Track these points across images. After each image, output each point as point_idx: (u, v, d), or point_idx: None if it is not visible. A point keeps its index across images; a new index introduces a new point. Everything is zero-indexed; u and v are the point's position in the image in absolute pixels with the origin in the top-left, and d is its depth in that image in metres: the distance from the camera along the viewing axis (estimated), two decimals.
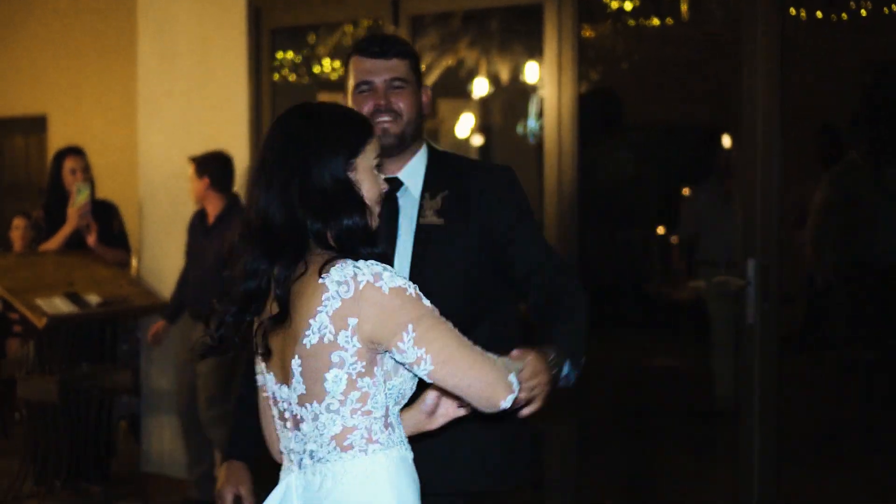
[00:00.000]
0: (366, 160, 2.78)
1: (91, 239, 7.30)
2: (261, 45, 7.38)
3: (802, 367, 7.23)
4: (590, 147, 6.65)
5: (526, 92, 8.09)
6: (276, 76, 7.52)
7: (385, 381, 2.69)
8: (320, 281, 2.62)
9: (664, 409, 8.04)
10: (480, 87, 8.27)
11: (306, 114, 2.85)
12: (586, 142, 6.14)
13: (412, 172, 3.47)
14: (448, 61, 7.88)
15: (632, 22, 7.29)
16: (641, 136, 10.73)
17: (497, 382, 2.65)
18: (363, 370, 2.65)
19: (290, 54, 7.69)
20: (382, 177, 2.84)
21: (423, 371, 2.64)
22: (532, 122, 8.14)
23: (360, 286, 2.59)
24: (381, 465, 2.69)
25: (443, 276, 3.32)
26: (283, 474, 2.83)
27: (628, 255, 9.92)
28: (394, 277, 2.63)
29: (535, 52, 6.88)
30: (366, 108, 3.39)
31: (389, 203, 3.36)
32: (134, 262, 7.96)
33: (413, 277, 3.15)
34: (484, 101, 8.79)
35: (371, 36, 3.59)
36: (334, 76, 7.97)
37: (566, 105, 6.19)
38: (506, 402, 2.66)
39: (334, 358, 2.63)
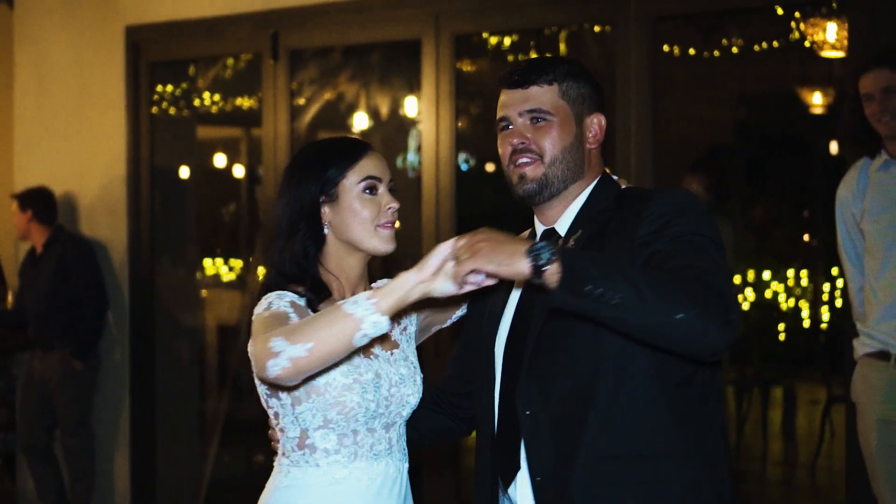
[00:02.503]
0: (349, 187, 2.91)
1: None
2: (139, 79, 7.33)
3: None
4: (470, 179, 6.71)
5: (405, 126, 8.13)
6: (156, 109, 7.47)
7: (293, 406, 2.84)
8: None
9: None
10: (360, 120, 8.29)
11: (295, 156, 3.07)
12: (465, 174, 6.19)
13: (570, 222, 2.90)
14: (328, 95, 7.89)
15: (510, 57, 7.36)
16: None
17: (256, 353, 2.65)
18: (269, 392, 2.89)
19: (169, 87, 7.63)
20: (388, 198, 2.97)
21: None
22: (411, 156, 8.17)
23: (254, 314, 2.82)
24: (279, 479, 2.94)
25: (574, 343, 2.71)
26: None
27: None
28: (268, 303, 2.82)
29: (414, 86, 6.93)
30: (505, 150, 2.88)
31: None
32: (10, 297, 7.85)
33: (537, 350, 2.73)
34: (364, 135, 8.81)
35: (519, 62, 3.06)
36: (214, 109, 7.93)
37: (444, 139, 6.24)
38: (269, 369, 2.59)
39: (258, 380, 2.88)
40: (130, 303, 7.33)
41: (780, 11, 6.26)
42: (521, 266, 2.45)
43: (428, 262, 2.54)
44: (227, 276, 9.30)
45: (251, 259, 7.58)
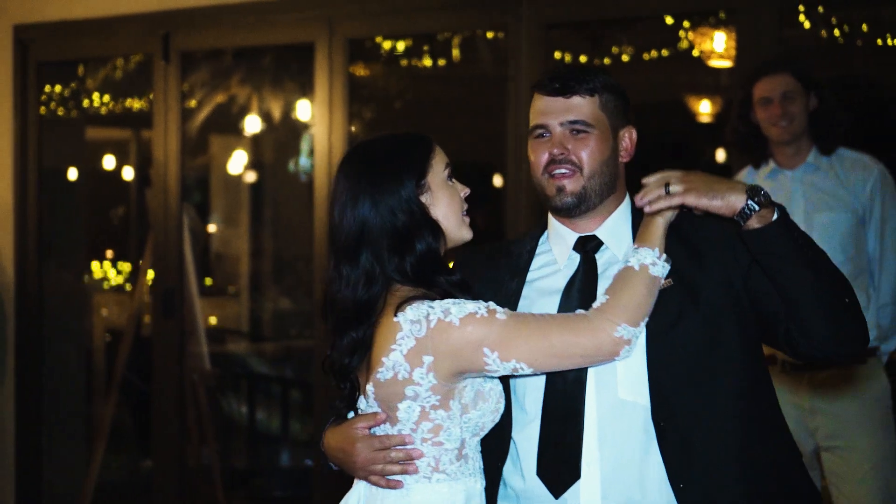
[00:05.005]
0: (436, 175, 2.77)
1: None
2: (27, 79, 7.22)
3: None
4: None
5: (298, 130, 8.11)
6: (44, 110, 7.36)
7: (462, 415, 2.69)
8: (395, 320, 2.64)
9: None
10: (252, 124, 8.25)
11: (360, 156, 2.79)
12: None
13: (612, 229, 2.88)
14: (220, 98, 7.83)
15: (404, 62, 7.37)
16: None
17: (595, 337, 2.62)
18: (437, 403, 2.67)
19: (58, 88, 7.52)
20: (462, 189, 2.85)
21: (527, 373, 2.66)
22: (304, 160, 8.15)
23: (432, 324, 2.61)
24: (442, 496, 2.70)
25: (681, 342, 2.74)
26: (356, 481, 2.85)
27: None
28: (463, 306, 2.63)
29: (307, 90, 6.91)
30: (540, 158, 2.83)
31: (586, 263, 2.87)
32: None
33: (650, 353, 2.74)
34: (256, 139, 8.77)
35: (557, 69, 3.00)
36: (104, 110, 7.83)
37: (337, 143, 6.23)
38: (623, 348, 2.62)
39: (409, 392, 2.65)
40: (17, 307, 7.19)
41: (669, 21, 6.35)
42: (736, 200, 2.60)
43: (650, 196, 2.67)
44: (116, 279, 9.19)
45: (140, 262, 7.48)
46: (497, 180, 10.13)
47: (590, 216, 2.86)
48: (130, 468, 8.06)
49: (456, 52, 7.15)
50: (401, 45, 7.09)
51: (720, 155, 8.58)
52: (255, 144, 8.98)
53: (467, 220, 2.83)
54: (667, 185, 2.65)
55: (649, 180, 2.69)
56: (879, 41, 6.53)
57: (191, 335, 7.15)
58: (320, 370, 6.36)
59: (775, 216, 2.61)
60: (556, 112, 2.81)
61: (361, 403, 2.78)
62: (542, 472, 2.76)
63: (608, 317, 2.61)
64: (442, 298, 2.66)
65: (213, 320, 8.46)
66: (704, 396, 2.69)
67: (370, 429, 2.74)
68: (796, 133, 4.78)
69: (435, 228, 2.73)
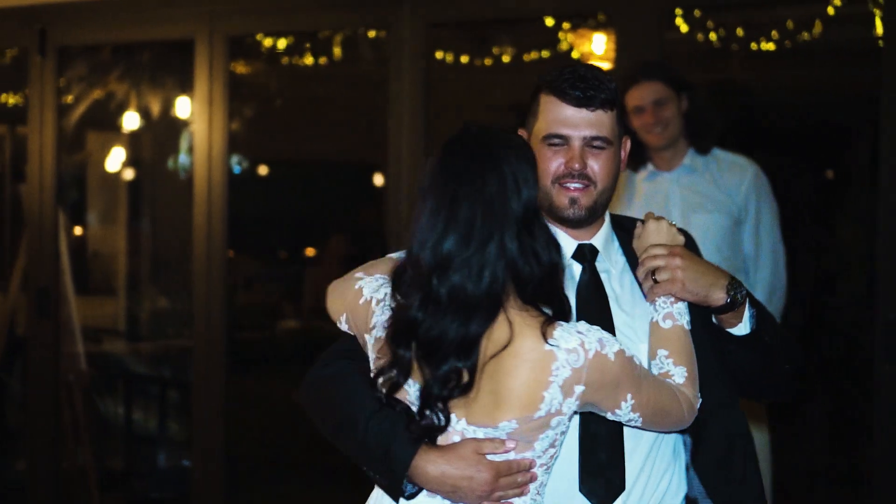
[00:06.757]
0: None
1: None
2: None
3: None
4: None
5: (177, 127, 8.02)
6: None
7: (552, 446, 2.58)
8: (547, 348, 2.44)
9: (321, 444, 8.08)
10: (131, 120, 8.14)
11: (485, 151, 2.51)
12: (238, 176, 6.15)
13: (606, 237, 2.87)
14: (97, 94, 7.72)
15: (285, 60, 7.35)
16: (297, 172, 10.82)
17: (690, 410, 2.62)
18: (565, 430, 2.57)
19: None
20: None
21: (629, 423, 2.59)
22: (183, 157, 8.07)
23: (590, 355, 2.44)
24: None
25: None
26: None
27: (288, 290, 9.96)
28: (613, 341, 2.50)
29: (187, 86, 6.84)
30: (552, 166, 2.73)
31: (591, 275, 2.82)
32: None
33: None
34: (134, 136, 8.66)
35: (572, 71, 2.76)
36: None
37: (216, 140, 6.19)
38: (691, 418, 2.63)
39: (553, 422, 2.50)
40: None
41: (549, 22, 6.41)
42: (717, 298, 2.68)
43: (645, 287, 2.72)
44: None
45: (18, 261, 7.33)
46: (378, 179, 10.14)
47: (590, 227, 2.84)
48: (3, 470, 7.91)
49: (337, 51, 7.14)
50: (282, 43, 7.07)
51: None
52: (134, 141, 8.86)
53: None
54: (653, 273, 2.68)
55: (639, 268, 2.74)
56: (754, 45, 6.67)
57: (66, 335, 7.04)
58: (198, 369, 6.33)
59: (747, 314, 2.72)
60: (578, 125, 2.71)
61: (457, 425, 2.55)
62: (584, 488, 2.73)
63: (695, 393, 2.63)
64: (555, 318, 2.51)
65: (89, 320, 8.34)
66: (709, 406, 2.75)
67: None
68: (672, 137, 4.85)
69: (555, 240, 2.60)
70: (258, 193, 10.36)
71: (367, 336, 2.64)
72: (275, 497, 7.30)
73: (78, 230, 8.66)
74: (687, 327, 2.67)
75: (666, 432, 2.72)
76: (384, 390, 2.56)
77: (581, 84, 2.70)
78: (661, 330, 2.67)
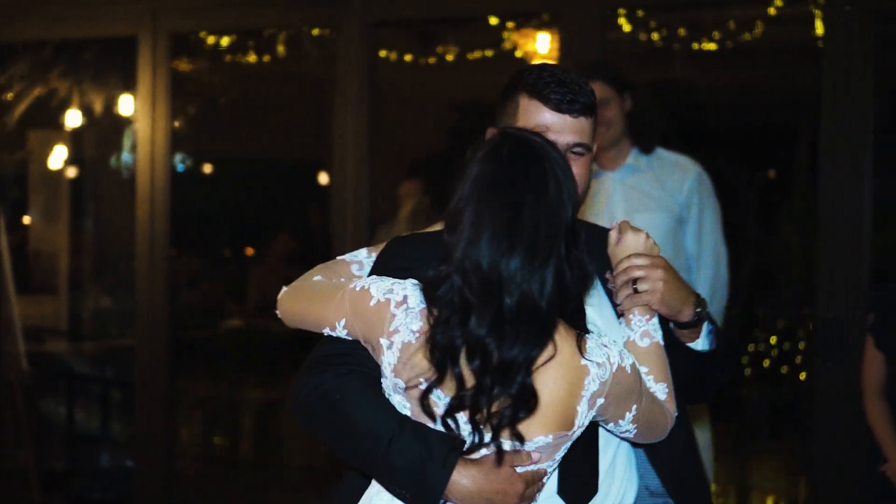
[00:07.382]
0: None
1: None
2: None
3: None
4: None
5: (120, 124, 7.97)
6: None
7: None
8: (583, 362, 2.39)
9: (265, 444, 8.06)
10: (73, 118, 8.08)
11: (538, 156, 2.43)
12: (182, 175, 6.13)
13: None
14: (39, 91, 7.66)
15: (228, 57, 7.32)
16: (241, 170, 10.79)
17: (670, 422, 2.61)
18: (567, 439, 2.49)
19: None
20: None
21: (623, 433, 2.57)
22: (126, 155, 8.02)
23: (614, 368, 2.41)
24: None
25: None
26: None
27: (232, 289, 9.93)
28: (627, 353, 2.48)
29: (130, 84, 6.80)
30: None
31: None
32: None
33: None
34: (77, 133, 8.59)
35: (551, 73, 2.73)
36: None
37: (159, 138, 6.16)
38: (668, 432, 2.63)
39: (576, 434, 2.47)
40: None
41: (493, 21, 6.43)
42: (686, 314, 2.70)
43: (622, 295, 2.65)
44: None
45: None
46: (323, 178, 10.14)
47: None
48: None
49: (281, 49, 7.13)
50: (225, 41, 7.04)
51: None
52: (76, 139, 8.79)
53: None
54: (635, 282, 2.64)
55: (620, 276, 2.66)
56: (696, 45, 6.72)
57: (7, 334, 6.98)
58: (141, 369, 6.30)
59: (705, 330, 2.77)
60: (561, 131, 2.67)
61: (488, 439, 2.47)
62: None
63: (675, 407, 2.63)
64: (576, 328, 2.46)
65: (30, 319, 8.27)
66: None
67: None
68: (615, 137, 4.88)
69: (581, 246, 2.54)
70: (202, 192, 10.33)
71: (381, 339, 2.46)
72: (217, 497, 7.28)
73: (19, 228, 8.59)
74: (661, 343, 2.64)
75: (643, 445, 2.71)
76: (435, 409, 2.42)
77: (563, 89, 2.69)
78: (639, 349, 2.62)
